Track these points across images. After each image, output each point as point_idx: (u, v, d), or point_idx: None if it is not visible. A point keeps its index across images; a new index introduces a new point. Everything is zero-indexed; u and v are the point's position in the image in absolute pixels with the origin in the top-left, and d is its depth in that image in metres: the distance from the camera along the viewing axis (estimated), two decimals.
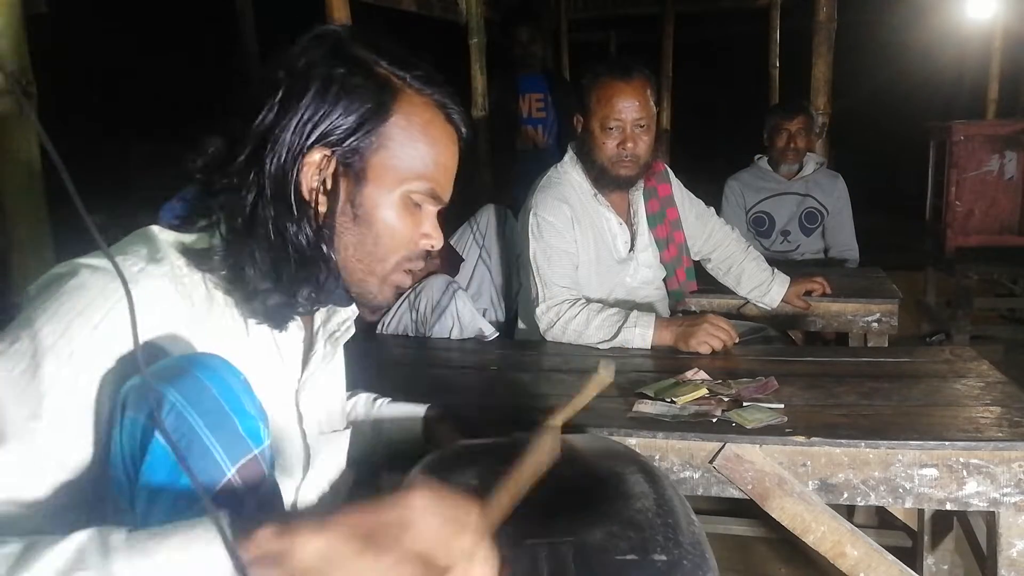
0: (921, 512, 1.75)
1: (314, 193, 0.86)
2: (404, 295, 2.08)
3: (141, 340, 0.71)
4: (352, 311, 1.02)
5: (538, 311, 1.94)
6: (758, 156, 3.33)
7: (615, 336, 1.83)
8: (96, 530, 0.60)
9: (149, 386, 0.68)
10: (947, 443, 1.24)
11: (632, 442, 1.32)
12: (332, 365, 1.03)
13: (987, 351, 2.44)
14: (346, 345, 1.06)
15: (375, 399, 1.25)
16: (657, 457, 1.32)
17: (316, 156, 0.84)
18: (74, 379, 0.72)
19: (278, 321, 0.87)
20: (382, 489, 1.79)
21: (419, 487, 0.62)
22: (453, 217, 2.60)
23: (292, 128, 0.83)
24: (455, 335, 2.00)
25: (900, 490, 1.26)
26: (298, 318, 0.92)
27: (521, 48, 3.90)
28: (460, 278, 2.32)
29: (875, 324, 2.30)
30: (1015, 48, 5.38)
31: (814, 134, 3.31)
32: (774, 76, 5.20)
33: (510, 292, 2.40)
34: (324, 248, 0.86)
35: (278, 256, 0.84)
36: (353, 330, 1.03)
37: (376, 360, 1.87)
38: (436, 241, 0.93)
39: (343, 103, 0.84)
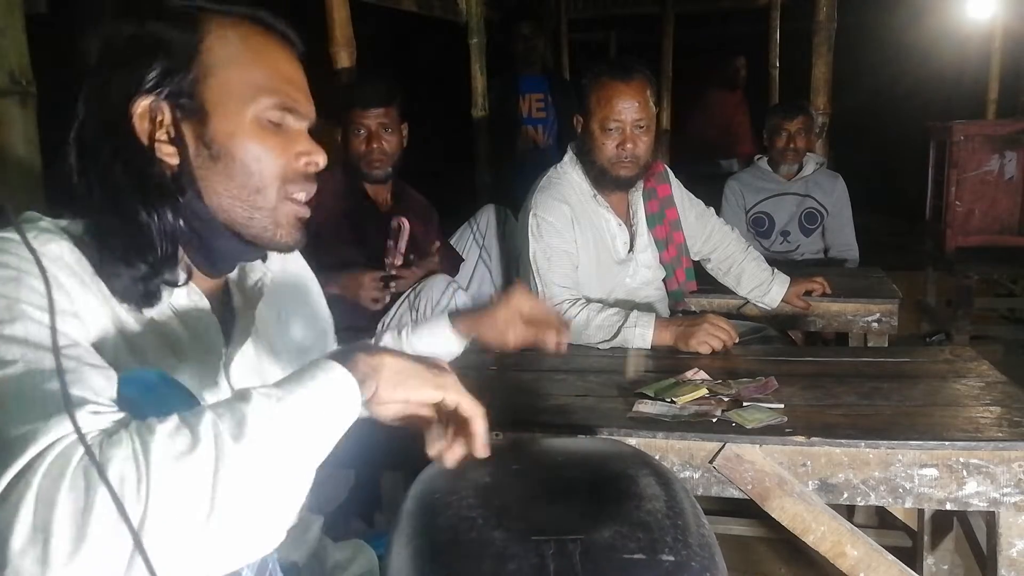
0: (921, 512, 1.75)
1: (158, 145, 0.81)
2: (404, 295, 2.08)
3: (73, 306, 0.74)
4: (260, 269, 0.97)
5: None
6: (758, 156, 3.33)
7: (615, 336, 1.83)
8: (256, 389, 0.68)
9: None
10: (947, 443, 1.24)
11: (632, 442, 1.32)
12: (273, 333, 0.99)
13: (987, 351, 2.45)
14: (346, 346, 1.05)
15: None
16: (657, 457, 1.32)
17: (140, 106, 0.80)
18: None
19: (143, 300, 0.81)
20: (382, 489, 1.79)
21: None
22: (453, 217, 2.60)
23: (101, 90, 0.81)
24: None
25: (900, 490, 1.26)
26: (194, 289, 0.88)
27: (523, 43, 3.90)
28: (460, 278, 2.32)
29: (875, 324, 2.30)
30: (1015, 48, 5.38)
31: (814, 134, 3.31)
32: (774, 76, 5.20)
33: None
34: (187, 198, 0.82)
35: (122, 227, 0.80)
36: (265, 287, 0.97)
37: None
38: (317, 157, 0.88)
39: (142, 48, 0.80)
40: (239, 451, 0.62)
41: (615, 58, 5.20)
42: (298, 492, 0.68)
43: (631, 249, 2.12)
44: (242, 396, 0.66)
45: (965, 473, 1.23)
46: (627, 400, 1.45)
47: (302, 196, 0.89)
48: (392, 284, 2.08)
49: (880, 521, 2.02)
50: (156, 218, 0.81)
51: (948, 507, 1.27)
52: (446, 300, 2.01)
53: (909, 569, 1.31)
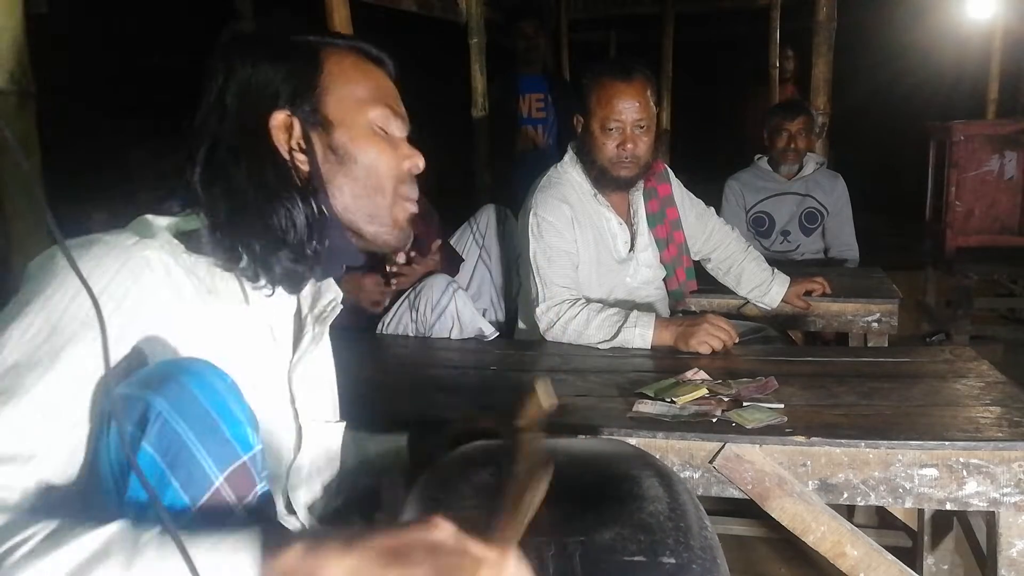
0: (921, 512, 1.75)
1: (292, 154, 0.91)
2: (404, 295, 2.08)
3: (144, 310, 0.77)
4: (336, 292, 1.06)
5: (538, 311, 1.94)
6: (758, 156, 3.33)
7: (615, 336, 1.83)
8: (127, 522, 0.62)
9: (137, 395, 0.68)
10: (947, 443, 1.24)
11: (632, 442, 1.32)
12: (321, 351, 1.04)
13: (987, 351, 2.45)
14: (346, 345, 1.06)
15: (352, 434, 1.20)
16: (657, 457, 1.32)
17: (278, 119, 0.90)
18: (90, 342, 0.72)
19: (294, 283, 0.91)
20: (383, 502, 1.79)
21: (439, 517, 0.64)
22: (453, 217, 2.60)
23: (242, 98, 0.89)
24: (455, 335, 2.00)
25: (900, 490, 1.26)
26: (293, 296, 0.95)
27: (526, 41, 3.89)
28: (460, 278, 2.32)
29: (875, 324, 2.30)
30: (1015, 48, 5.37)
31: (814, 134, 3.31)
32: (774, 76, 5.20)
33: (510, 292, 2.40)
34: (319, 199, 0.91)
35: (274, 223, 0.88)
36: (339, 309, 1.05)
37: (376, 360, 1.88)
38: (418, 159, 0.99)
39: (279, 67, 0.91)
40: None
41: (615, 58, 5.19)
42: None
43: (631, 249, 2.12)
44: (108, 523, 0.62)
45: (965, 473, 1.23)
46: (627, 400, 1.45)
47: (412, 194, 0.99)
48: (393, 281, 2.08)
49: (880, 521, 2.02)
50: (296, 212, 0.89)
51: (948, 507, 1.27)
52: (446, 300, 2.01)
53: (909, 569, 1.31)
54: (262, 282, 0.89)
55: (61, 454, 0.71)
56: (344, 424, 1.06)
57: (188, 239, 0.86)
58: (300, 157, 0.91)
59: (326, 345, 1.07)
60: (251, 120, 0.89)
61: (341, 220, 0.94)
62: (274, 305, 0.93)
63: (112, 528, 0.62)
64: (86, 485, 0.72)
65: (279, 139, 0.90)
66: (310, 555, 0.61)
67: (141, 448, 0.67)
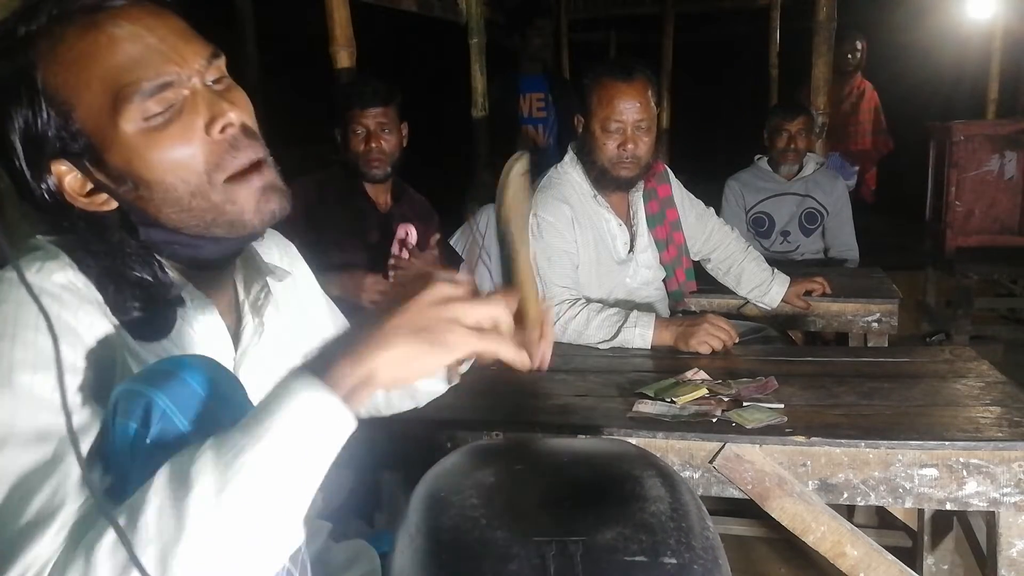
0: (921, 512, 1.75)
1: (89, 200, 0.78)
2: None
3: (77, 334, 0.72)
4: (263, 273, 0.95)
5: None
6: (758, 156, 3.33)
7: (615, 336, 1.83)
8: (211, 440, 0.62)
9: (140, 391, 0.68)
10: (947, 443, 1.24)
11: (632, 442, 1.32)
12: (272, 341, 0.95)
13: (987, 351, 2.45)
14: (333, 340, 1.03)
15: None
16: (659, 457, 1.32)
17: (49, 182, 0.76)
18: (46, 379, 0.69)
19: (158, 331, 0.80)
20: (382, 489, 1.80)
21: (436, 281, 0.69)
22: (453, 217, 2.60)
23: (10, 170, 0.76)
24: None
25: (900, 490, 1.26)
26: (198, 295, 0.85)
27: (540, 39, 3.86)
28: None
29: (875, 324, 2.30)
30: (1015, 48, 5.37)
31: (814, 134, 3.31)
32: (774, 76, 5.20)
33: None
34: (143, 227, 0.79)
35: (113, 271, 0.78)
36: (271, 294, 0.95)
37: None
38: (228, 116, 0.76)
39: (5, 114, 0.74)
40: (185, 552, 0.59)
41: (616, 58, 5.20)
42: (279, 544, 0.64)
43: (631, 249, 2.12)
44: (192, 459, 0.62)
45: (965, 473, 1.23)
46: (627, 400, 1.45)
47: (244, 163, 0.78)
48: (391, 275, 2.09)
49: (880, 521, 2.02)
50: (127, 256, 0.78)
51: (948, 507, 1.27)
52: None
53: (909, 569, 1.31)
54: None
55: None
56: None
57: (76, 258, 0.77)
58: (98, 199, 0.77)
59: (284, 333, 0.99)
60: (25, 182, 0.76)
61: (184, 234, 0.80)
62: (192, 311, 0.85)
63: (204, 449, 0.62)
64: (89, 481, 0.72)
65: (65, 189, 0.76)
66: (357, 364, 0.64)
67: (145, 445, 0.67)
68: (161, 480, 0.62)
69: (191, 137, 0.75)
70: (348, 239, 2.17)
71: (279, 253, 1.05)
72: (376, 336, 0.66)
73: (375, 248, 2.17)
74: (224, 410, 0.71)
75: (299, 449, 0.63)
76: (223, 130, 0.76)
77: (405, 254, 2.09)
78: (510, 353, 0.71)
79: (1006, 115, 5.07)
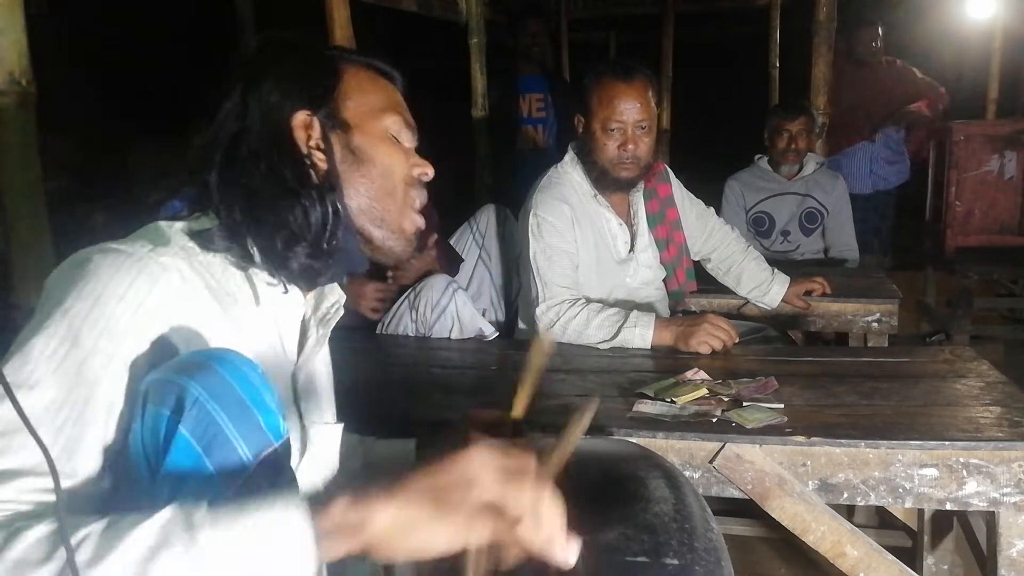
0: (921, 512, 1.75)
1: (312, 152, 0.93)
2: (404, 295, 2.08)
3: (162, 313, 0.77)
4: (340, 294, 1.06)
5: (538, 311, 1.94)
6: (758, 156, 3.33)
7: (615, 336, 1.83)
8: (177, 506, 0.63)
9: (173, 379, 0.70)
10: (947, 443, 1.24)
11: (632, 442, 1.32)
12: (322, 354, 1.05)
13: (987, 351, 2.44)
14: (346, 345, 1.06)
15: (360, 438, 1.18)
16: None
17: (299, 118, 0.92)
18: (112, 350, 0.74)
19: (309, 280, 0.94)
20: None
21: (477, 446, 0.65)
22: (453, 217, 2.60)
23: (264, 100, 0.92)
24: (455, 335, 2.00)
25: (900, 490, 1.26)
26: (297, 294, 0.96)
27: (529, 39, 3.89)
28: (460, 278, 2.32)
29: (875, 324, 2.30)
30: (1015, 48, 5.37)
31: (814, 134, 3.31)
32: (774, 76, 5.20)
33: (510, 292, 2.40)
34: (336, 197, 0.93)
35: (291, 219, 0.89)
36: (342, 312, 1.05)
37: (376, 360, 1.88)
38: (428, 168, 1.02)
39: (300, 74, 0.94)
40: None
41: (616, 58, 5.19)
42: None
43: (631, 249, 2.12)
44: (142, 518, 0.62)
45: (965, 473, 1.23)
46: (627, 400, 1.45)
47: (419, 202, 1.02)
48: (389, 275, 2.08)
49: (880, 521, 2.02)
50: (313, 210, 0.91)
51: (948, 507, 1.27)
52: (446, 300, 2.01)
53: (909, 569, 1.32)
54: (276, 280, 0.91)
55: (91, 456, 0.73)
56: (342, 426, 1.07)
57: (201, 239, 0.87)
58: (319, 156, 0.94)
59: (325, 348, 1.08)
60: (273, 119, 0.92)
61: (353, 222, 0.96)
62: (283, 307, 0.95)
63: (164, 515, 0.62)
64: (114, 473, 0.74)
65: (299, 137, 0.93)
66: (355, 507, 0.63)
67: (178, 432, 0.69)
68: (100, 526, 0.62)
69: (404, 160, 1.00)
70: None
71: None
72: (392, 486, 0.64)
73: None
74: (254, 401, 0.72)
75: (254, 556, 0.61)
76: (421, 174, 1.02)
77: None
78: (546, 545, 0.65)
79: (1006, 115, 5.07)
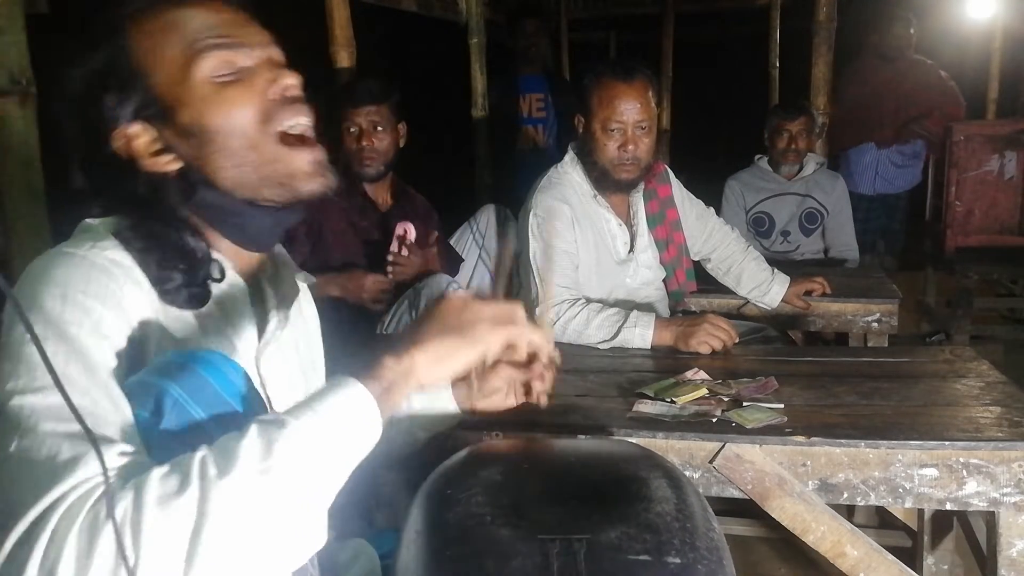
0: (921, 512, 1.75)
1: (154, 160, 0.83)
2: (404, 295, 2.08)
3: (124, 301, 0.77)
4: (294, 269, 1.00)
5: (538, 311, 1.94)
6: (758, 156, 3.33)
7: (615, 336, 1.83)
8: (261, 419, 0.68)
9: (152, 381, 0.70)
10: (947, 443, 1.24)
11: (633, 443, 1.32)
12: (292, 334, 0.99)
13: (987, 351, 2.44)
14: (347, 346, 1.06)
15: None
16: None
17: (119, 140, 0.83)
18: (97, 334, 0.73)
19: (192, 300, 0.84)
20: (382, 489, 1.79)
21: (460, 294, 0.84)
22: (453, 217, 2.60)
23: (81, 124, 0.84)
24: None
25: (900, 490, 1.26)
26: (236, 279, 0.90)
27: (526, 40, 3.89)
28: (460, 278, 2.32)
29: (875, 324, 2.30)
30: (1015, 48, 5.37)
31: (814, 134, 3.31)
32: (774, 76, 5.20)
33: (510, 292, 2.40)
34: (206, 192, 0.85)
35: (163, 234, 0.83)
36: (300, 288, 1.00)
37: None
38: (285, 79, 0.85)
39: (90, 70, 0.83)
40: (226, 488, 0.62)
41: (616, 58, 5.20)
42: (306, 526, 0.67)
43: (631, 249, 2.12)
44: (243, 427, 0.66)
45: (965, 473, 1.23)
46: (627, 400, 1.45)
47: (295, 126, 0.85)
48: (389, 271, 2.08)
49: (880, 521, 2.02)
50: (179, 223, 0.84)
51: (948, 507, 1.27)
52: None
53: (909, 569, 1.31)
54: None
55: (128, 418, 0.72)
56: None
57: (121, 237, 0.82)
58: (164, 159, 0.84)
59: (302, 326, 1.04)
60: (97, 147, 0.83)
61: (240, 199, 0.86)
62: (226, 295, 0.89)
63: (252, 427, 0.66)
64: None
65: (134, 151, 0.83)
66: (399, 359, 0.77)
67: (158, 433, 0.69)
68: (211, 446, 0.65)
69: (250, 92, 0.83)
70: (348, 238, 2.17)
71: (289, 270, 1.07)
72: (412, 338, 0.79)
73: (375, 247, 2.17)
74: (236, 400, 0.73)
75: (335, 435, 0.69)
76: (281, 91, 0.84)
77: (404, 252, 2.09)
78: (535, 337, 0.86)
79: (1006, 115, 5.07)
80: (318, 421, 0.69)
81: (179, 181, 0.84)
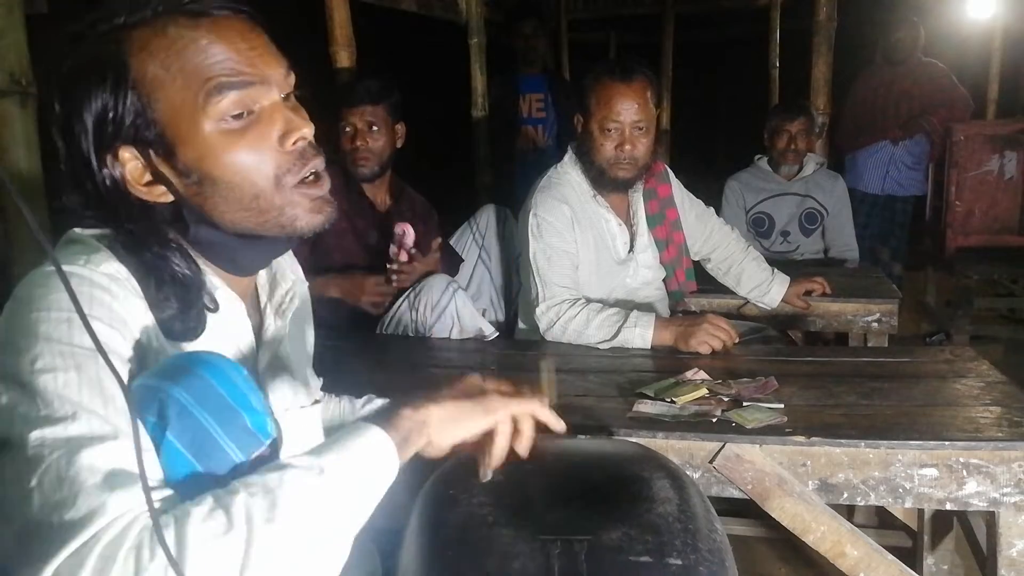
0: (921, 512, 1.75)
1: (146, 189, 0.80)
2: (404, 295, 2.08)
3: (128, 316, 0.75)
4: (292, 280, 0.98)
5: (538, 311, 1.94)
6: (758, 156, 3.33)
7: (615, 336, 1.83)
8: (293, 462, 0.71)
9: (156, 385, 0.69)
10: (947, 443, 1.24)
11: (636, 443, 1.32)
12: (292, 339, 1.00)
13: (987, 351, 2.45)
14: (346, 345, 1.06)
15: (365, 399, 1.19)
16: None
17: (110, 163, 0.78)
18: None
19: (187, 334, 0.80)
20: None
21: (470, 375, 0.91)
22: (453, 217, 2.60)
23: (70, 146, 0.78)
24: (455, 335, 2.00)
25: (900, 490, 1.26)
26: (232, 295, 0.88)
27: (524, 41, 3.90)
28: (460, 278, 2.32)
29: (875, 324, 2.30)
30: (1015, 48, 5.37)
31: (814, 134, 3.31)
32: (774, 76, 5.20)
33: (510, 292, 2.40)
34: (195, 223, 0.82)
35: (154, 267, 0.79)
36: (299, 299, 0.98)
37: (376, 360, 1.87)
38: (302, 131, 0.81)
39: (84, 93, 0.76)
40: (271, 533, 0.65)
41: (616, 58, 5.18)
42: (335, 560, 0.72)
43: (631, 249, 2.12)
44: (279, 468, 0.69)
45: (965, 473, 1.23)
46: (627, 400, 1.45)
47: (308, 176, 0.82)
48: (394, 279, 2.08)
49: (880, 521, 2.02)
50: (170, 257, 0.80)
51: (948, 507, 1.27)
52: (446, 300, 2.01)
53: (909, 569, 1.31)
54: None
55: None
56: (320, 405, 1.06)
57: (113, 249, 0.79)
58: (156, 190, 0.80)
59: (301, 335, 1.05)
60: (85, 164, 0.78)
61: (232, 234, 0.83)
62: (222, 304, 0.87)
63: (292, 466, 0.70)
64: None
65: (124, 176, 0.79)
66: (416, 411, 0.81)
67: (165, 438, 0.68)
68: (248, 483, 0.67)
69: (265, 146, 0.80)
70: (347, 239, 2.16)
71: (290, 264, 1.06)
72: (429, 395, 0.84)
73: (374, 248, 2.17)
74: (239, 402, 0.72)
75: (364, 479, 0.73)
76: (295, 143, 0.81)
77: (403, 253, 2.09)
78: (544, 412, 0.91)
79: (1006, 115, 5.07)
80: (349, 469, 0.73)
81: (170, 213, 0.82)
